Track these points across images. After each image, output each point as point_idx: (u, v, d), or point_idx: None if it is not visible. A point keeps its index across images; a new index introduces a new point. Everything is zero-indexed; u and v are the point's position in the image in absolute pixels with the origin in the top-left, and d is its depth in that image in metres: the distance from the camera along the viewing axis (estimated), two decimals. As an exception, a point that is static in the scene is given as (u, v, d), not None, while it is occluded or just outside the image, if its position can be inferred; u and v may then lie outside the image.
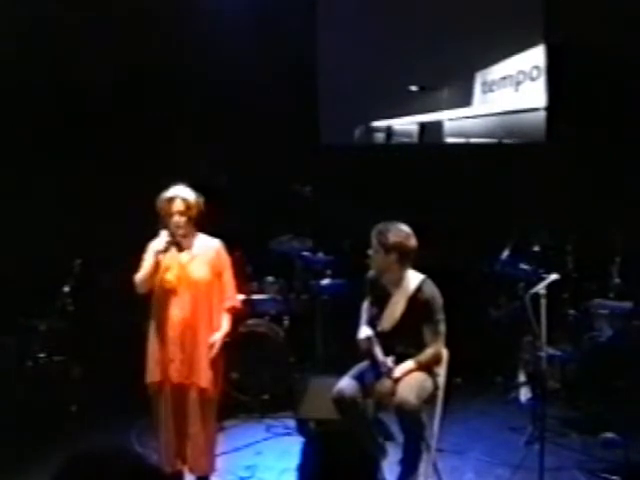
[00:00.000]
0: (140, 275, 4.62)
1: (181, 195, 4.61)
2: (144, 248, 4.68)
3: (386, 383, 4.70)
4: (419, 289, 4.83)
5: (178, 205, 4.59)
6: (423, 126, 8.09)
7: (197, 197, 4.69)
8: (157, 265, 4.60)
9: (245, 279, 6.40)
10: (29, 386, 6.08)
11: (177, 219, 4.59)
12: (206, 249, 4.74)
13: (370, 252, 4.87)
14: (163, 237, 4.58)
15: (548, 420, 5.14)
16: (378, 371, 4.76)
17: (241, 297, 5.38)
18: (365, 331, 4.81)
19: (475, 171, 7.67)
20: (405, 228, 4.85)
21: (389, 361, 4.73)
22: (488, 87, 7.88)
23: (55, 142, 7.30)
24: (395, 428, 4.92)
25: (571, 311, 6.43)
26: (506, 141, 7.87)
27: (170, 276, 4.65)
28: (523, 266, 6.35)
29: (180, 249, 4.69)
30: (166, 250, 4.59)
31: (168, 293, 4.64)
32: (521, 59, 7.70)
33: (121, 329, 6.55)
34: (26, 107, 7.15)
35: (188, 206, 4.60)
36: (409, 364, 4.73)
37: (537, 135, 7.73)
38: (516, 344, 6.58)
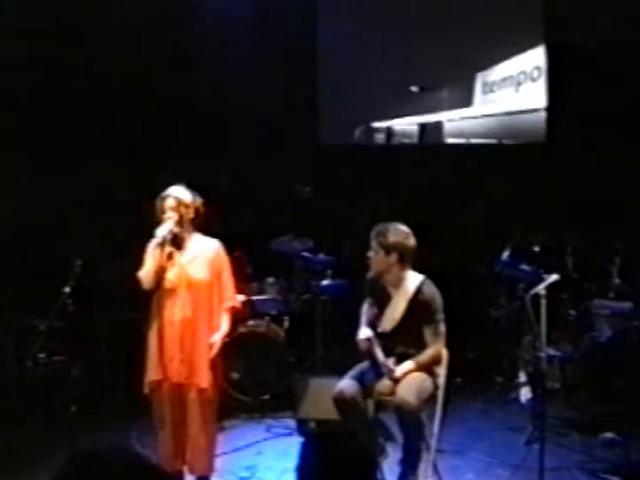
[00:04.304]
0: (144, 270, 4.65)
1: (174, 194, 4.68)
2: (144, 248, 4.69)
3: (386, 383, 4.71)
4: (419, 290, 4.83)
5: (170, 203, 4.66)
6: (423, 126, 8.09)
7: (194, 197, 4.73)
8: (160, 255, 4.62)
9: (245, 279, 6.41)
10: (29, 386, 6.07)
11: (168, 216, 4.64)
12: (205, 249, 4.76)
13: (370, 253, 4.87)
14: (167, 225, 4.62)
15: (548, 420, 5.13)
16: (378, 371, 4.76)
17: (241, 297, 5.39)
18: (365, 332, 4.81)
19: (475, 171, 7.67)
20: (404, 228, 4.85)
21: (390, 362, 4.73)
22: (489, 88, 7.88)
23: (56, 142, 7.29)
24: (395, 428, 4.93)
25: (571, 311, 6.43)
26: (506, 141, 7.87)
27: (170, 276, 4.66)
28: (523, 266, 6.35)
29: (179, 248, 4.70)
30: (165, 240, 4.61)
31: (168, 293, 4.67)
32: (522, 60, 7.70)
33: (121, 329, 6.55)
34: (27, 105, 7.15)
35: (179, 204, 4.66)
36: (409, 364, 4.73)
37: (537, 135, 7.73)
38: (516, 344, 6.59)
